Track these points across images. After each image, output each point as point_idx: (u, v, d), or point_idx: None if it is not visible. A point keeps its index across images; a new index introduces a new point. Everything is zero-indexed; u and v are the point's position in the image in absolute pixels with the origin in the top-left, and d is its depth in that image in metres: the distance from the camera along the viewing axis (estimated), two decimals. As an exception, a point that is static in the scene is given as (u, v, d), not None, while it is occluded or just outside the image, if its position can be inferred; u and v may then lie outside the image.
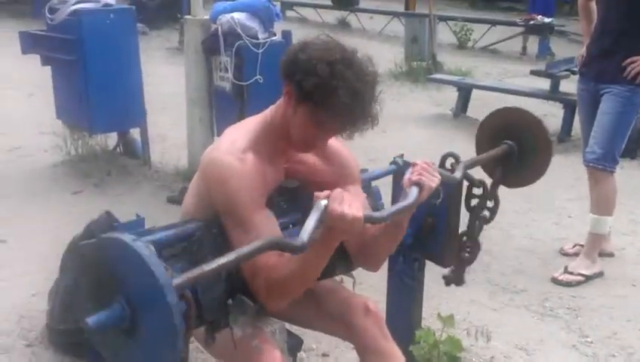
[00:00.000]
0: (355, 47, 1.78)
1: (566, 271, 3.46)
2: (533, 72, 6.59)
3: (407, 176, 1.83)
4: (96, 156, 4.78)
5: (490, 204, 2.35)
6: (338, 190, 1.60)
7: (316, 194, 1.60)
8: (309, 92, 1.68)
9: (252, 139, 1.82)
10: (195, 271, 1.39)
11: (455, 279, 2.36)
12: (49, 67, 4.68)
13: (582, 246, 3.61)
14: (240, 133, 1.85)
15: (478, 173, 2.32)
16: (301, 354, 2.66)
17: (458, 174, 2.11)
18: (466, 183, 2.31)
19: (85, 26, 4.30)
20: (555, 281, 3.43)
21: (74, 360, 2.45)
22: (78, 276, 1.46)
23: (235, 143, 1.80)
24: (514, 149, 2.33)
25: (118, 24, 4.46)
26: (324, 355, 2.73)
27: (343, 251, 2.04)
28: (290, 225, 2.03)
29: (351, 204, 1.57)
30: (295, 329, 2.18)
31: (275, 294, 1.74)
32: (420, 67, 8.74)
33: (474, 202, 2.33)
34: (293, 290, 1.75)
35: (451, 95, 7.17)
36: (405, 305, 2.50)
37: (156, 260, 1.32)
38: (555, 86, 6.32)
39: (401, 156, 2.46)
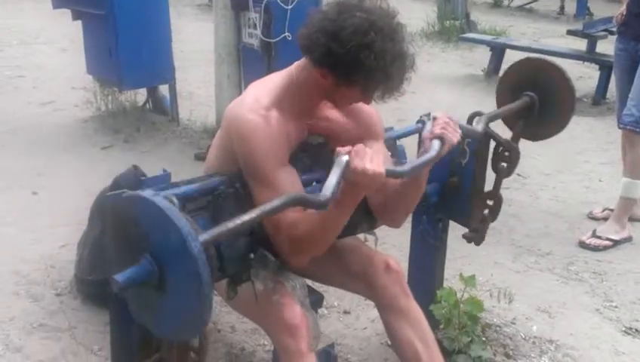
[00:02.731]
0: (379, 2, 1.74)
1: (594, 235, 3.42)
2: (569, 32, 6.42)
3: (427, 128, 1.82)
4: (126, 112, 4.82)
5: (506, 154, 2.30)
6: (360, 145, 1.59)
7: (338, 149, 1.59)
8: (356, 81, 1.69)
9: (276, 96, 1.81)
10: (219, 229, 1.40)
11: (476, 238, 2.34)
12: (80, 22, 4.70)
13: (611, 210, 3.56)
14: (264, 90, 1.84)
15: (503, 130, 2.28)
16: (322, 311, 2.70)
17: (480, 127, 2.09)
18: (493, 144, 2.29)
19: (115, -19, 4.30)
20: (583, 245, 3.39)
21: (101, 309, 2.50)
22: (104, 234, 1.47)
23: (260, 100, 1.79)
24: (535, 101, 2.27)
25: (148, -21, 4.45)
26: (346, 312, 2.75)
27: (366, 208, 2.04)
28: (314, 182, 2.03)
29: (372, 158, 1.57)
30: (317, 286, 2.21)
31: (297, 249, 1.76)
32: (453, 26, 8.55)
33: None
34: (316, 246, 1.76)
35: (484, 55, 7.02)
36: (428, 264, 2.51)
37: (177, 212, 1.33)
38: (591, 46, 6.15)
39: (428, 115, 2.42)
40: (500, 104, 2.39)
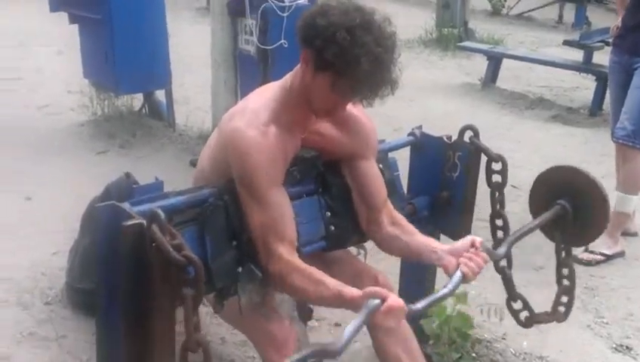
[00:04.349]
0: (373, 7, 1.74)
1: (587, 249, 3.41)
2: (566, 42, 6.44)
3: (454, 257, 1.83)
4: (122, 117, 4.82)
5: (565, 271, 2.31)
6: (394, 297, 1.56)
7: (366, 290, 1.59)
8: (330, 61, 1.66)
9: (274, 110, 1.80)
10: None
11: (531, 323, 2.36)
12: (77, 25, 4.70)
13: (605, 224, 3.55)
14: (263, 103, 1.83)
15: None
16: (313, 323, 2.69)
17: (502, 251, 2.08)
18: (484, 157, 2.28)
19: (112, -15, 4.30)
20: (575, 260, 3.35)
21: (91, 319, 2.49)
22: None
23: (259, 115, 1.78)
24: (567, 210, 2.16)
25: (145, -17, 4.45)
26: (337, 325, 2.74)
27: (356, 222, 2.05)
28: (304, 195, 2.04)
29: (397, 317, 1.56)
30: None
31: (280, 286, 1.80)
32: (451, 34, 8.56)
33: (496, 179, 2.28)
34: (297, 297, 1.86)
35: (481, 64, 7.03)
36: (419, 278, 2.50)
37: None
38: (588, 57, 6.15)
39: (420, 127, 2.43)
40: (533, 214, 2.30)
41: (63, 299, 2.71)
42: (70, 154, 4.35)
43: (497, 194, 2.30)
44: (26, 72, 6.07)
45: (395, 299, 1.55)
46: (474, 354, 2.43)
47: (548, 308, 2.47)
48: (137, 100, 5.00)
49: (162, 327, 1.49)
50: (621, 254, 3.44)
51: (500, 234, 2.29)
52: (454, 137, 2.33)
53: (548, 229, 2.23)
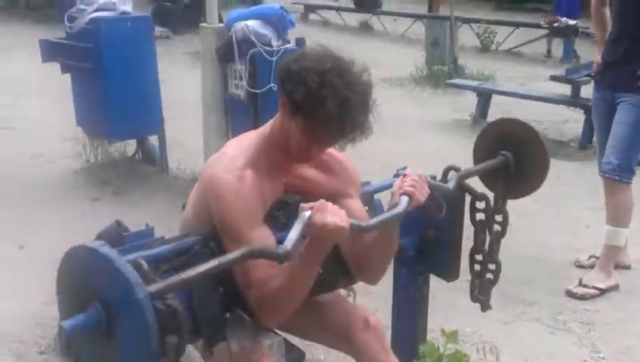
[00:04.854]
0: (353, 58, 1.79)
1: (581, 283, 3.41)
2: (552, 78, 6.53)
3: (397, 184, 1.85)
4: (115, 163, 4.86)
5: (499, 218, 2.33)
6: (322, 200, 1.62)
7: (301, 205, 1.62)
8: (299, 103, 1.70)
9: (252, 155, 1.84)
10: (172, 279, 1.42)
11: (483, 302, 2.37)
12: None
13: (597, 258, 3.55)
14: (240, 149, 1.87)
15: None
16: (309, 367, 2.68)
17: (451, 184, 2.11)
18: (469, 197, 2.31)
19: (103, 35, 4.38)
20: (569, 294, 3.38)
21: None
22: (58, 284, 1.48)
23: (235, 160, 1.83)
24: (510, 160, 2.28)
25: (136, 32, 4.54)
26: (331, 366, 2.73)
27: (344, 265, 2.05)
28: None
29: (334, 213, 1.60)
30: (304, 342, 2.19)
31: (269, 309, 1.77)
32: (441, 71, 8.68)
33: (480, 216, 2.32)
34: (285, 304, 1.76)
35: (472, 100, 7.11)
36: (410, 317, 2.49)
37: (123, 262, 1.33)
38: (575, 91, 6.23)
39: (404, 168, 2.45)
40: (477, 162, 2.41)
41: (56, 349, 2.70)
42: (64, 201, 4.37)
43: (480, 232, 2.32)
44: (19, 121, 6.12)
45: (320, 201, 1.61)
46: (469, 393, 2.40)
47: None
48: (130, 146, 5.04)
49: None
50: (615, 287, 3.43)
51: (477, 267, 2.33)
52: (439, 176, 2.35)
53: (490, 179, 2.33)
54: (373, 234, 1.90)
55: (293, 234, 1.57)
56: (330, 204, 1.62)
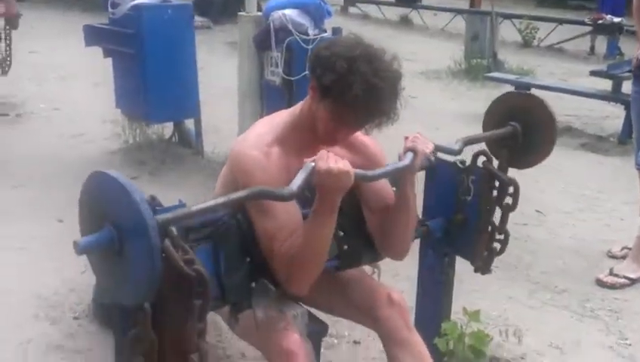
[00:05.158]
0: (383, 46, 1.83)
1: (611, 273, 3.39)
2: (593, 73, 6.43)
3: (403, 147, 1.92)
4: (152, 144, 4.97)
5: (510, 190, 2.30)
6: (323, 150, 1.69)
7: (305, 159, 1.70)
8: (328, 87, 1.75)
9: (279, 133, 1.90)
10: (182, 210, 1.54)
11: (482, 268, 2.37)
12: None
13: (630, 249, 3.52)
14: (268, 127, 1.93)
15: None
16: (332, 341, 2.73)
17: (457, 146, 2.16)
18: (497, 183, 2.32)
19: (144, 21, 4.47)
20: (599, 283, 3.36)
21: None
22: (80, 202, 1.61)
23: (262, 137, 1.89)
24: (518, 130, 2.33)
25: (176, 19, 4.62)
26: (356, 342, 2.78)
27: (369, 240, 2.09)
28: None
29: (337, 160, 1.66)
30: (328, 316, 2.23)
31: (291, 274, 1.81)
32: (480, 65, 8.62)
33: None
34: (307, 266, 1.80)
35: (510, 94, 7.05)
36: (435, 298, 2.52)
37: (134, 187, 1.43)
38: (616, 87, 6.13)
39: (435, 153, 2.48)
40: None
41: (90, 315, 2.80)
42: (102, 180, 4.49)
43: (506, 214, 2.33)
44: (63, 103, 6.32)
45: (321, 151, 1.68)
46: (491, 373, 2.43)
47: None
48: (167, 129, 5.15)
49: (173, 338, 1.55)
50: (646, 278, 3.40)
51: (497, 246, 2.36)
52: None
53: (496, 147, 2.38)
54: (391, 200, 2.01)
55: (298, 179, 1.65)
56: (331, 153, 1.68)
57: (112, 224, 1.47)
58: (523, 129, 2.32)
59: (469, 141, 2.25)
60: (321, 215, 1.73)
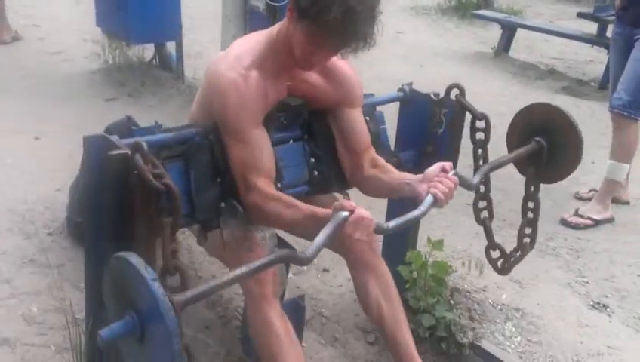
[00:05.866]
0: None
1: (576, 213, 3.49)
2: (580, 15, 6.39)
3: (430, 175, 1.88)
4: (132, 66, 4.91)
5: (531, 204, 2.38)
6: (359, 210, 1.64)
7: (334, 205, 1.67)
8: (305, 8, 1.74)
9: (257, 55, 1.89)
10: (198, 290, 1.45)
11: (507, 269, 2.44)
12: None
13: (597, 191, 3.61)
14: (247, 49, 1.92)
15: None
16: (301, 268, 2.80)
17: (476, 179, 2.12)
18: (469, 115, 2.35)
19: (126, -64, 4.36)
20: (564, 223, 3.46)
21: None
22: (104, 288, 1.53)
23: (240, 59, 1.88)
24: (543, 146, 2.24)
25: (159, -64, 4.50)
26: (324, 270, 2.86)
27: (340, 170, 2.14)
28: (291, 140, 2.13)
29: (367, 226, 1.65)
30: (297, 241, 2.27)
31: (257, 217, 1.88)
32: (469, 3, 8.50)
33: (480, 136, 2.33)
34: (272, 224, 1.92)
35: (497, 33, 7.00)
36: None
37: (157, 285, 1.34)
38: (601, 30, 6.11)
39: (410, 84, 2.50)
40: (510, 149, 2.35)
41: (63, 231, 2.84)
42: (80, 99, 4.47)
43: (480, 150, 2.37)
44: (42, 20, 6.18)
45: (362, 211, 1.65)
46: (451, 301, 2.52)
47: (517, 269, 2.56)
48: (148, 51, 5.08)
49: (142, 254, 1.58)
50: (610, 220, 3.50)
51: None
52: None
53: (522, 164, 2.31)
54: (367, 144, 2.09)
55: (322, 237, 1.60)
56: (366, 217, 1.64)
57: (134, 311, 1.41)
58: (548, 145, 2.23)
59: (489, 170, 2.17)
60: (319, 220, 1.71)
